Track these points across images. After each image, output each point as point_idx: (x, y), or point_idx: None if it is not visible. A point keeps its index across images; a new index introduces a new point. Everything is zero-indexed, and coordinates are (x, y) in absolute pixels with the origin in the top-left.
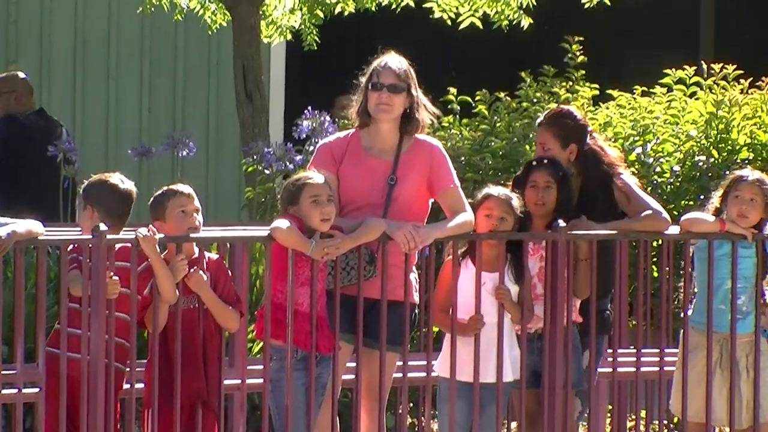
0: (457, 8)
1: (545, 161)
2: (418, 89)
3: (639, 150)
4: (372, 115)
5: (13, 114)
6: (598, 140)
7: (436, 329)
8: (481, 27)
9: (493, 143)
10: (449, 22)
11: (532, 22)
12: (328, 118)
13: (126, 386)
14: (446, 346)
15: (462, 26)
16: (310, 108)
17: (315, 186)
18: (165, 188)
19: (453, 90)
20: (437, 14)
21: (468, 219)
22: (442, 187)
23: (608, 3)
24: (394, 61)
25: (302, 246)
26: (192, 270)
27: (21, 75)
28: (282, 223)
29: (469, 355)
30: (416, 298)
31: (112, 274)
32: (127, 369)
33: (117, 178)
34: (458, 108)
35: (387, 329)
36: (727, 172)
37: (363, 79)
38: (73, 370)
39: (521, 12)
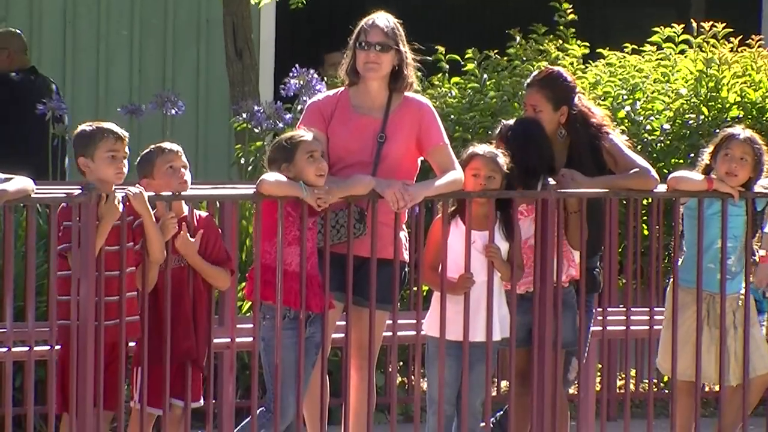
0: None
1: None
2: (406, 46)
3: (628, 108)
4: (360, 73)
5: (5, 72)
6: (584, 100)
7: (425, 288)
8: None
9: (482, 102)
10: None
11: None
12: (315, 75)
13: None
14: (434, 304)
15: None
16: (297, 66)
17: (310, 142)
18: (152, 146)
19: (441, 48)
20: None
21: (458, 177)
22: (432, 145)
23: None
24: (381, 19)
25: (294, 191)
26: (181, 231)
27: (16, 32)
28: (269, 176)
29: (457, 314)
30: (406, 256)
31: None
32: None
33: None
34: (447, 66)
35: (376, 288)
36: (717, 131)
37: (351, 38)
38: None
39: None
